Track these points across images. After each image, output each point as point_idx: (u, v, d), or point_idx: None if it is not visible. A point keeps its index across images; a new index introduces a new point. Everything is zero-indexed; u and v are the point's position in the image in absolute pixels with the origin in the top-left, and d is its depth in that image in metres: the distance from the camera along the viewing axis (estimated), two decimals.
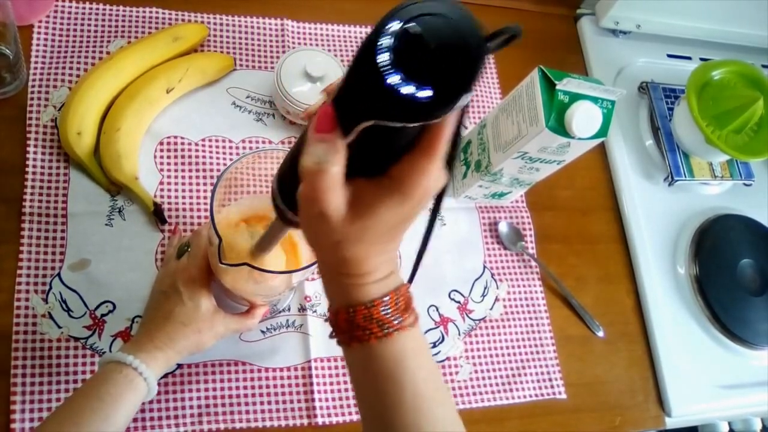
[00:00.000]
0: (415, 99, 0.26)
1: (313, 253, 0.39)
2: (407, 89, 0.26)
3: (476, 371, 0.75)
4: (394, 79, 0.26)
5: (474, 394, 0.74)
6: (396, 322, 0.38)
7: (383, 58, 0.26)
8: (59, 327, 0.63)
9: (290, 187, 0.36)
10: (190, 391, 0.65)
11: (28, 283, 0.64)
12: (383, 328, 0.37)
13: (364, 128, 0.29)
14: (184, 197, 0.72)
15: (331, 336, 0.40)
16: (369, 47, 0.26)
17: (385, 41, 0.26)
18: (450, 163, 0.34)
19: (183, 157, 0.74)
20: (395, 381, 0.38)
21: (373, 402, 0.39)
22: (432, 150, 0.32)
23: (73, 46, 0.75)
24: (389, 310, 0.37)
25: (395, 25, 0.26)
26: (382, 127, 0.28)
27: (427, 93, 0.26)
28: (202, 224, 0.70)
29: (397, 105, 0.27)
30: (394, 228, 0.35)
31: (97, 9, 0.78)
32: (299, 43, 0.85)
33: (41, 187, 0.67)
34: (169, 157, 0.73)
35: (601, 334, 0.82)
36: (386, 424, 0.38)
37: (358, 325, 0.37)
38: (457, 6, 0.27)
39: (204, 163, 0.74)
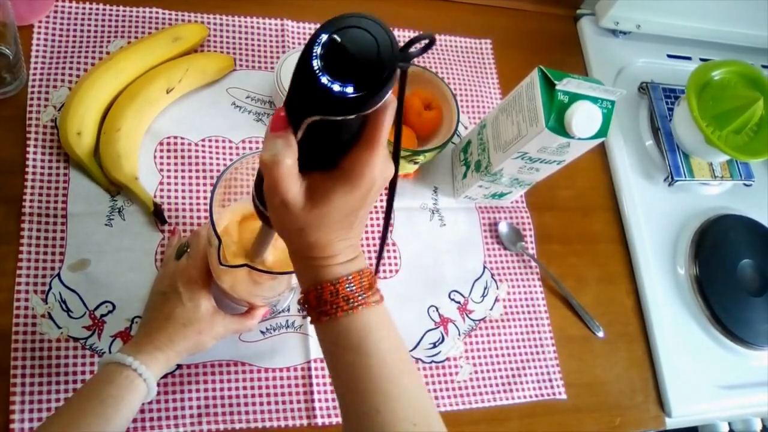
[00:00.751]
0: (342, 95, 0.32)
1: (283, 239, 0.43)
2: (335, 86, 0.32)
3: (476, 371, 0.75)
4: (324, 79, 0.32)
5: (474, 394, 0.74)
6: (360, 298, 0.41)
7: (315, 63, 0.32)
8: (59, 327, 0.63)
9: (261, 188, 0.41)
10: (190, 391, 0.65)
11: (27, 284, 0.64)
12: (349, 303, 0.41)
13: (311, 124, 0.35)
14: (184, 197, 0.72)
15: (303, 316, 0.44)
16: (305, 55, 0.33)
17: (317, 49, 0.32)
18: (396, 156, 0.39)
19: (183, 157, 0.74)
20: (362, 351, 0.41)
21: (344, 372, 0.42)
22: (372, 142, 0.36)
23: (73, 46, 0.75)
24: (354, 288, 0.41)
25: (324, 37, 0.32)
26: (326, 122, 0.34)
27: (350, 89, 0.32)
28: (202, 225, 0.70)
29: (328, 101, 0.32)
30: (349, 215, 0.39)
31: (97, 9, 0.78)
32: (299, 43, 0.85)
33: (41, 188, 0.67)
34: (169, 157, 0.73)
35: (601, 334, 0.82)
36: (356, 391, 0.42)
37: (325, 300, 0.41)
38: (375, 22, 0.33)
39: (204, 164, 0.74)
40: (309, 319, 0.44)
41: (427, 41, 0.33)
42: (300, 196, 0.38)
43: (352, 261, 0.42)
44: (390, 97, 0.35)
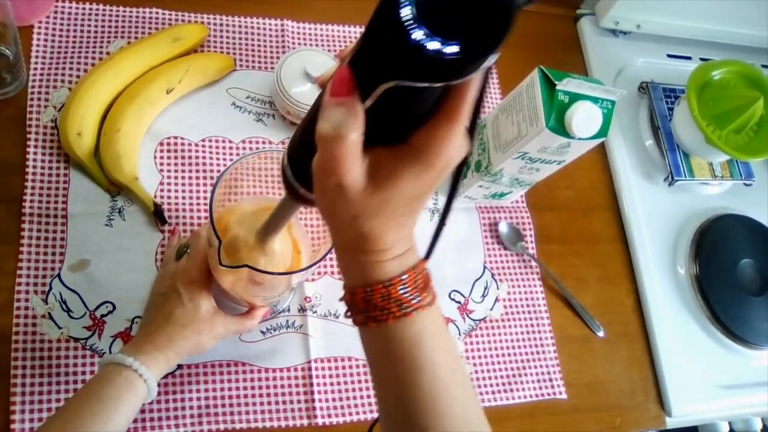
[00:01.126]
0: (440, 56, 0.25)
1: (328, 228, 0.37)
2: (432, 45, 0.25)
3: (476, 371, 0.75)
4: (417, 34, 0.24)
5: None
6: (415, 301, 0.36)
7: (405, 12, 0.24)
8: (59, 327, 0.63)
9: (302, 160, 0.34)
10: (190, 391, 0.65)
11: (27, 284, 0.64)
12: (401, 307, 0.36)
13: (384, 91, 0.28)
14: (184, 198, 0.72)
15: (346, 315, 0.39)
16: (389, 2, 0.25)
17: None
18: (472, 131, 0.32)
19: (183, 157, 0.74)
20: (413, 363, 0.37)
21: (390, 384, 0.38)
22: (455, 116, 0.30)
23: (73, 47, 0.75)
24: (408, 289, 0.36)
25: None
26: (403, 89, 0.27)
27: (453, 49, 0.25)
28: (202, 225, 0.70)
29: (421, 63, 0.25)
30: (415, 200, 0.34)
31: (97, 9, 0.77)
32: (299, 44, 0.85)
33: (41, 188, 0.67)
34: (169, 157, 0.73)
35: (601, 334, 0.82)
36: (403, 406, 0.37)
37: (375, 304, 0.36)
38: None
39: (204, 164, 0.74)
40: (349, 320, 0.39)
41: None
42: (361, 178, 0.31)
43: (406, 254, 0.37)
44: (495, 58, 0.27)
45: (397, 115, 0.31)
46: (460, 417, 0.37)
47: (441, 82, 0.27)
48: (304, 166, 0.34)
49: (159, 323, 0.58)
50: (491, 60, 0.26)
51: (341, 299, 0.39)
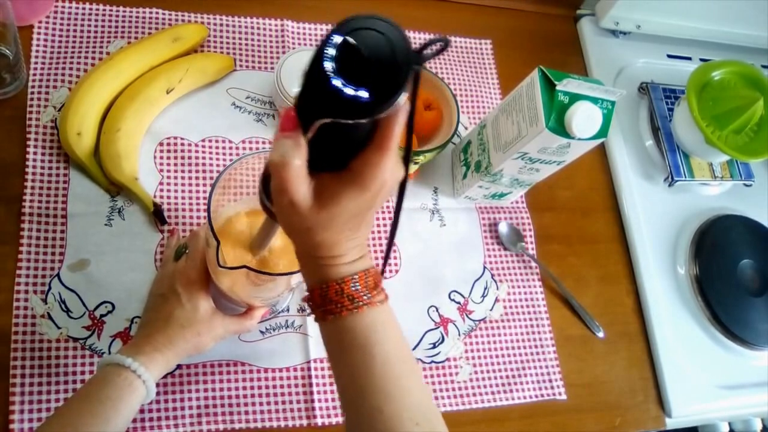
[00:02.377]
0: (354, 99, 0.32)
1: (290, 239, 0.42)
2: (348, 90, 0.32)
3: (476, 372, 0.75)
4: (337, 82, 0.31)
5: (474, 394, 0.74)
6: (366, 297, 0.41)
7: (327, 66, 0.32)
8: (58, 327, 0.63)
9: (269, 185, 0.40)
10: (189, 391, 0.65)
11: (27, 284, 0.64)
12: (353, 302, 0.41)
13: (322, 126, 0.34)
14: (183, 198, 0.72)
15: (308, 313, 0.43)
16: (317, 57, 0.32)
17: (330, 51, 0.32)
18: (407, 156, 0.39)
19: (183, 157, 0.74)
20: (365, 351, 0.41)
21: (347, 371, 0.43)
22: (384, 145, 0.36)
23: (73, 47, 0.75)
24: (359, 287, 0.41)
25: (337, 38, 0.32)
26: (335, 124, 0.33)
27: (364, 94, 0.32)
28: (201, 225, 0.70)
29: (341, 104, 0.32)
30: (357, 216, 0.39)
31: (97, 9, 0.77)
32: (299, 44, 0.85)
33: (41, 188, 0.67)
34: (168, 157, 0.73)
35: (601, 334, 0.82)
36: (359, 391, 0.42)
37: (330, 299, 0.41)
38: (390, 24, 0.32)
39: (204, 164, 0.74)
40: (312, 317, 0.44)
41: (441, 44, 0.33)
42: (308, 196, 0.37)
43: (358, 261, 0.42)
44: (403, 100, 0.35)
45: (335, 145, 0.37)
46: (412, 399, 0.42)
47: (359, 119, 0.33)
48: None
49: (158, 324, 0.58)
50: (399, 100, 0.33)
51: (303, 299, 0.45)
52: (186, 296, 0.58)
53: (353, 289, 0.41)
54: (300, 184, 0.37)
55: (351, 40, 0.32)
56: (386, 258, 0.47)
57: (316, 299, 0.42)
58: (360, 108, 0.32)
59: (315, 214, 0.38)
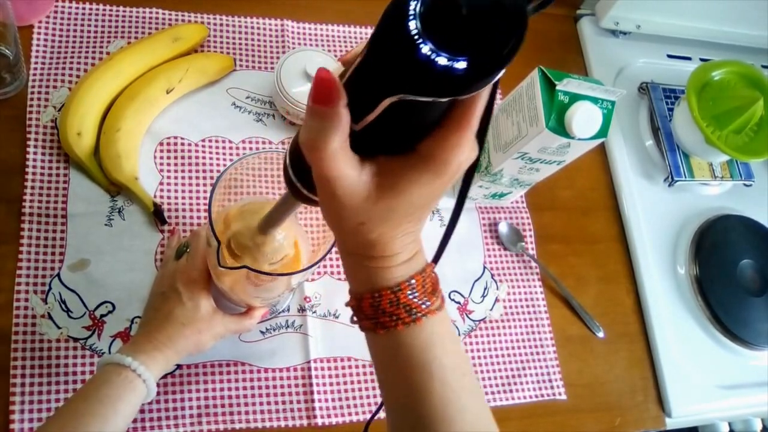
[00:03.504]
0: (448, 71, 0.24)
1: (334, 233, 0.36)
2: (441, 60, 0.23)
3: (476, 372, 0.75)
4: (425, 49, 0.23)
5: None
6: (424, 306, 0.35)
7: (413, 26, 0.23)
8: (58, 327, 0.63)
9: (303, 162, 0.33)
10: (190, 391, 0.65)
11: (27, 284, 0.64)
12: (411, 313, 0.35)
13: (389, 104, 0.27)
14: (183, 198, 0.72)
15: (352, 321, 0.38)
16: (395, 14, 0.24)
17: (414, 6, 0.23)
18: (481, 136, 0.32)
19: (183, 157, 0.74)
20: (422, 369, 0.36)
21: (400, 390, 0.37)
22: (464, 124, 0.29)
23: (73, 47, 0.75)
24: (416, 294, 0.35)
25: None
26: (409, 101, 0.26)
27: (462, 65, 0.24)
28: (202, 225, 0.70)
29: (428, 78, 0.24)
30: (422, 207, 0.33)
31: (97, 9, 0.77)
32: (299, 44, 0.85)
33: (41, 188, 0.67)
34: (169, 157, 0.73)
35: (601, 334, 0.82)
36: (413, 413, 0.37)
37: (384, 310, 0.35)
38: None
39: (204, 164, 0.74)
40: (356, 326, 0.38)
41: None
42: (362, 184, 0.31)
43: (414, 258, 0.36)
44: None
45: (403, 126, 0.30)
46: (469, 422, 0.37)
47: (448, 97, 0.26)
48: (304, 167, 0.33)
49: (159, 323, 0.58)
50: (501, 73, 0.26)
51: (347, 304, 0.38)
52: (187, 294, 0.58)
53: (411, 296, 0.35)
54: (346, 170, 0.30)
55: None
56: (440, 251, 0.41)
57: (365, 309, 0.36)
58: (453, 83, 0.24)
59: (371, 206, 0.31)
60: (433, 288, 0.37)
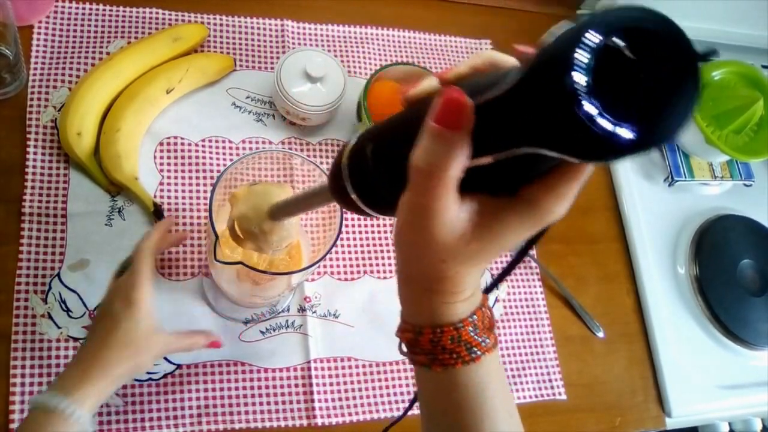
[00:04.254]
0: (609, 138, 0.20)
1: (400, 259, 0.33)
2: (603, 124, 0.20)
3: None
4: (590, 108, 0.20)
5: None
6: (483, 344, 0.34)
7: (579, 78, 0.20)
8: (58, 327, 0.63)
9: (372, 175, 0.31)
10: (189, 391, 0.65)
11: (27, 284, 0.64)
12: (470, 351, 0.33)
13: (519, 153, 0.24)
14: (183, 197, 0.72)
15: (401, 352, 0.37)
16: (558, 59, 0.21)
17: (582, 57, 0.20)
18: None
19: (183, 157, 0.74)
20: (475, 411, 0.35)
21: (446, 428, 0.36)
22: (578, 175, 0.28)
23: (73, 47, 0.75)
24: (477, 330, 0.34)
25: (594, 38, 0.20)
26: (544, 153, 0.23)
27: (628, 134, 0.20)
28: (145, 237, 0.62)
29: (583, 140, 0.21)
30: (507, 249, 0.31)
31: (97, 9, 0.78)
32: (299, 44, 0.85)
33: (41, 188, 0.67)
34: (169, 157, 0.73)
35: (601, 334, 0.82)
36: None
37: (444, 347, 0.33)
38: (664, 19, 0.22)
39: (204, 164, 0.74)
40: (405, 357, 0.36)
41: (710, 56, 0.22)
42: (459, 222, 0.28)
43: (474, 294, 0.34)
44: None
45: (519, 171, 0.28)
46: None
47: (597, 161, 0.22)
48: (372, 181, 0.32)
49: (93, 349, 0.54)
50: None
51: (399, 335, 0.36)
52: (124, 314, 0.55)
53: (472, 333, 0.33)
54: (450, 204, 0.27)
55: (619, 42, 0.21)
56: (495, 283, 0.39)
57: (424, 344, 0.34)
58: (609, 149, 0.21)
59: (462, 246, 0.29)
60: (490, 323, 0.35)
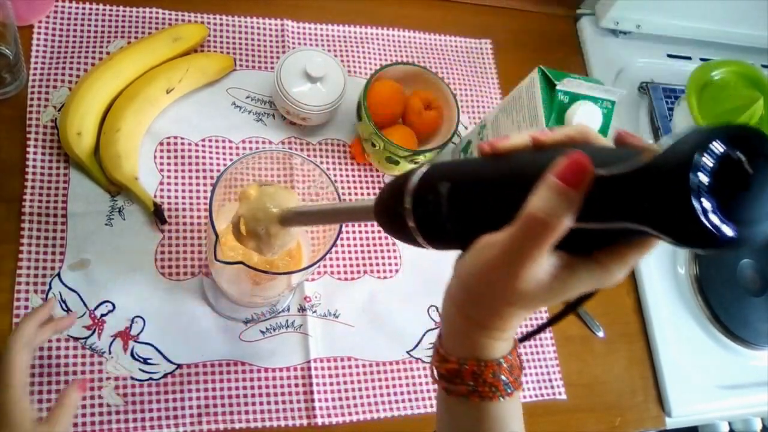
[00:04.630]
0: (712, 232, 0.23)
1: (461, 290, 0.35)
2: (713, 219, 0.23)
3: None
4: (706, 204, 0.23)
5: None
6: (516, 381, 0.37)
7: (703, 178, 0.23)
8: None
9: (448, 213, 0.33)
10: (190, 391, 0.65)
11: (27, 283, 0.64)
12: (506, 387, 0.36)
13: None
14: (184, 197, 0.72)
15: (434, 380, 0.38)
16: (686, 158, 0.24)
17: (708, 161, 0.24)
18: None
19: (183, 157, 0.74)
20: None
21: None
22: (645, 249, 0.30)
23: (73, 47, 0.75)
24: (513, 367, 0.36)
25: (720, 147, 0.24)
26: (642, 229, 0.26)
27: (730, 232, 0.24)
28: (28, 315, 0.58)
29: (690, 229, 0.24)
30: (565, 300, 0.33)
31: (97, 9, 0.78)
32: (299, 44, 0.85)
33: (41, 187, 0.67)
34: (169, 157, 0.73)
35: (601, 334, 0.82)
36: None
37: (485, 380, 0.35)
38: None
39: (204, 164, 0.74)
40: (433, 376, 0.38)
41: None
42: (543, 273, 0.30)
43: (512, 332, 0.36)
44: None
45: (606, 237, 0.30)
46: None
47: (691, 247, 0.26)
48: (440, 217, 0.34)
49: None
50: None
51: (438, 365, 0.38)
52: None
53: (508, 370, 0.36)
54: (545, 254, 0.29)
55: (740, 156, 0.24)
56: (533, 333, 0.41)
57: (465, 376, 0.35)
58: (707, 242, 0.24)
59: (539, 292, 0.31)
60: (521, 363, 0.38)
